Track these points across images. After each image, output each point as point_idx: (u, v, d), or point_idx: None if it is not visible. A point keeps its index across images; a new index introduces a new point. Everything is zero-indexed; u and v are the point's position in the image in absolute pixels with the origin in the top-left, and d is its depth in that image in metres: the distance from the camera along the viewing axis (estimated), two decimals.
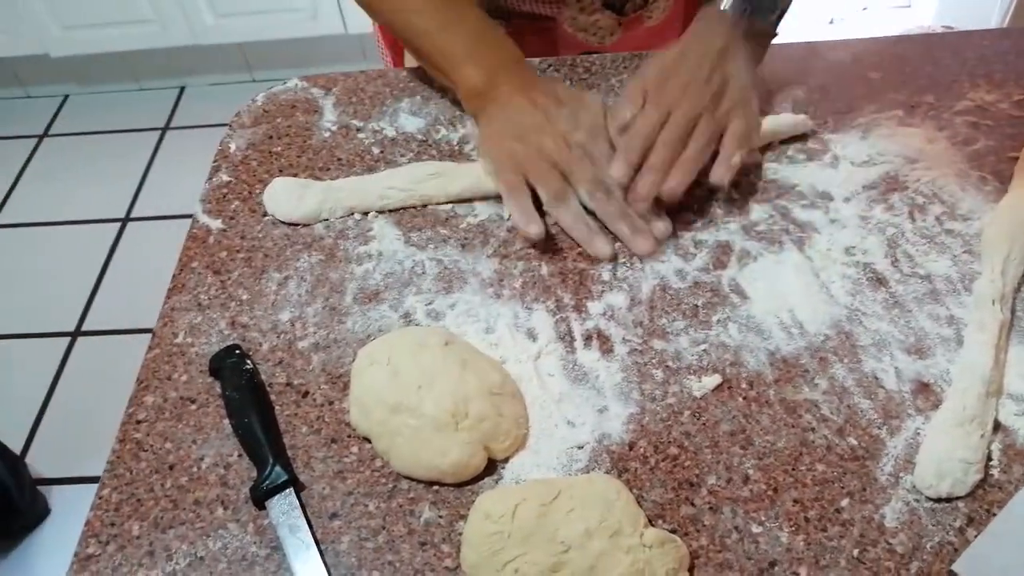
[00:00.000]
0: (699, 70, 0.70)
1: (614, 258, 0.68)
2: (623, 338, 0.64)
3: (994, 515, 0.52)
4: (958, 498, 0.53)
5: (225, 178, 0.79)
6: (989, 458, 0.55)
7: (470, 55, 0.75)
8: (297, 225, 0.74)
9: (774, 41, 0.78)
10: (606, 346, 0.63)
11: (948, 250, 0.67)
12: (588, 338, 0.64)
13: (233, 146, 0.82)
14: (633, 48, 0.88)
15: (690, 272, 0.68)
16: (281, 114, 0.85)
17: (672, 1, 0.92)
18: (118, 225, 2.13)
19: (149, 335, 0.67)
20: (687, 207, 0.72)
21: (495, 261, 0.70)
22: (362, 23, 2.15)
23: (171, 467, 0.59)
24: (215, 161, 0.81)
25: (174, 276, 0.71)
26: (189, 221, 0.76)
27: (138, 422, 0.62)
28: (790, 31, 0.80)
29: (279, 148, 0.82)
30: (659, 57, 0.73)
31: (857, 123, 0.78)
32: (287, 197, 0.74)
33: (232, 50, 2.40)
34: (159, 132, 2.38)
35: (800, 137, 0.77)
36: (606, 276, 0.68)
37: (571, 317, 0.65)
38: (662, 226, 0.69)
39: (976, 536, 0.51)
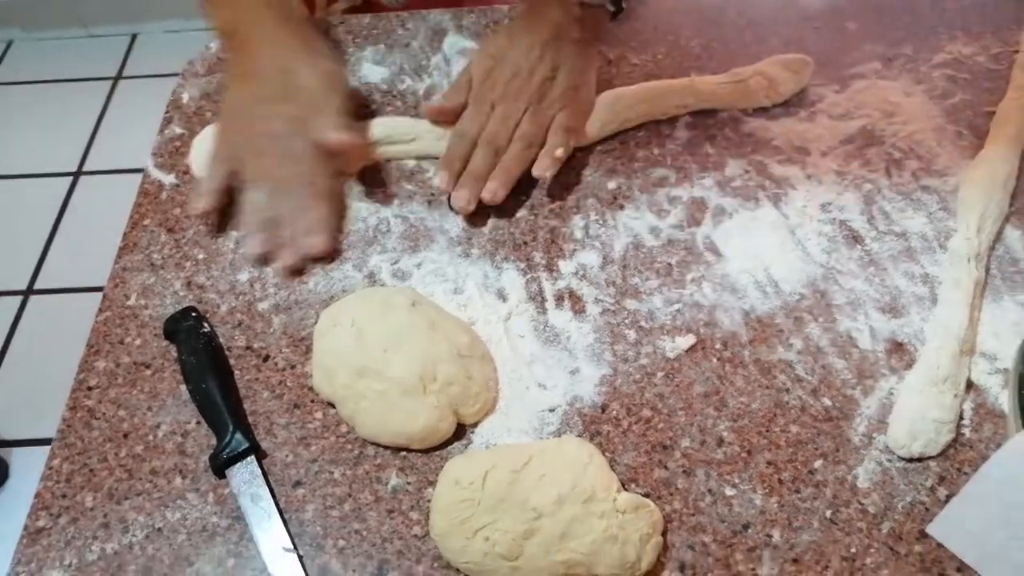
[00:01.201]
0: (525, 60, 0.68)
1: (262, 263, 0.65)
2: (595, 298, 0.62)
3: (966, 474, 0.52)
4: (930, 458, 0.53)
5: (178, 130, 0.75)
6: (961, 417, 0.55)
7: None
8: None
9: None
10: (578, 306, 0.62)
11: (924, 207, 0.66)
12: (560, 298, 0.62)
13: (186, 96, 0.78)
14: None
15: (664, 229, 0.66)
16: None
17: None
18: (69, 179, 2.05)
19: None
20: (660, 163, 0.70)
21: (463, 218, 0.67)
22: None
23: (125, 435, 0.57)
24: (167, 112, 0.77)
25: (125, 234, 0.68)
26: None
27: (89, 388, 0.59)
28: None
29: None
30: (488, 43, 0.71)
31: (834, 75, 0.76)
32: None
33: None
34: (111, 81, 2.28)
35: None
36: (578, 234, 0.66)
37: (542, 276, 0.63)
38: (317, 241, 0.65)
39: (948, 495, 0.51)
